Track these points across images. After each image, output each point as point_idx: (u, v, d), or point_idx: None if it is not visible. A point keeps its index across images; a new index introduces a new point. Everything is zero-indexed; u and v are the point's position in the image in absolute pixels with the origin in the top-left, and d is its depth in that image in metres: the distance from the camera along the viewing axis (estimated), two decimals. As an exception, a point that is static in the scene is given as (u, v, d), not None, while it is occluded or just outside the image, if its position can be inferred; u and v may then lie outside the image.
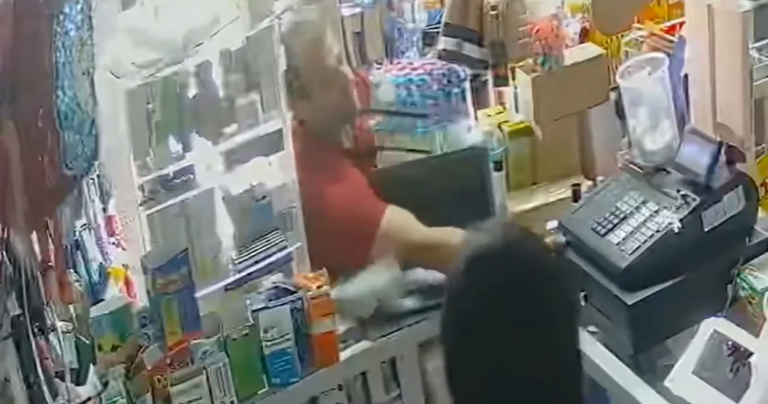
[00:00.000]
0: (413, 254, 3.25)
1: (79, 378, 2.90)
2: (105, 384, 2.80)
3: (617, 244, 3.03)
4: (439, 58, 3.61)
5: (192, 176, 2.98)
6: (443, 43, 3.59)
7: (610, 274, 3.02)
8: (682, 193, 3.01)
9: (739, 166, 3.08)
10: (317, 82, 3.31)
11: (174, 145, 2.94)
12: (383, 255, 3.25)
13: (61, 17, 2.52)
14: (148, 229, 2.93)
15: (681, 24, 3.60)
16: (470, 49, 3.57)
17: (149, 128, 2.88)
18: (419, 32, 3.80)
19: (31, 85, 2.52)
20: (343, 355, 3.10)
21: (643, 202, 3.08)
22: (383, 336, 3.18)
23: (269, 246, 3.14)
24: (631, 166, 3.20)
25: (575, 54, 3.64)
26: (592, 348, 3.00)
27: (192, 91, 2.94)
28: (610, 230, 3.07)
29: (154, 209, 2.92)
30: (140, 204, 2.90)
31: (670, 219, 2.99)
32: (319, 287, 2.99)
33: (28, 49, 2.49)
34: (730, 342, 2.85)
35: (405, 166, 3.51)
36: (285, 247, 3.15)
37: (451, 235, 3.06)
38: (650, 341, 3.01)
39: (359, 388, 3.21)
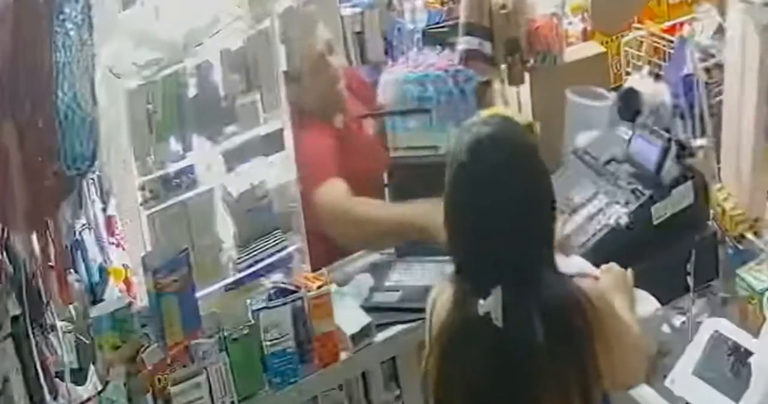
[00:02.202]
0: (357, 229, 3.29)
1: (79, 378, 2.90)
2: (105, 384, 2.80)
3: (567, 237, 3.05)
4: (462, 58, 3.60)
5: (192, 176, 2.98)
6: (465, 42, 3.58)
7: None
8: (632, 186, 3.05)
9: (690, 161, 3.10)
10: (306, 68, 3.36)
11: (174, 145, 2.94)
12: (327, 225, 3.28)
13: (61, 17, 2.52)
14: (149, 229, 2.93)
15: (681, 24, 3.60)
16: (489, 48, 3.58)
17: (149, 128, 2.88)
18: (419, 32, 3.80)
19: (31, 85, 2.52)
20: (343, 355, 3.10)
21: (595, 194, 3.11)
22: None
23: (269, 246, 3.14)
24: (585, 154, 3.22)
25: (577, 52, 3.64)
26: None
27: (192, 91, 2.94)
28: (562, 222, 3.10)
29: (154, 209, 2.92)
30: (141, 204, 2.90)
31: (618, 213, 3.02)
32: (319, 287, 2.99)
33: (28, 49, 2.49)
34: (730, 342, 2.85)
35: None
36: (285, 247, 3.15)
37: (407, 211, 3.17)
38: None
39: (359, 388, 3.21)
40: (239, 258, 3.11)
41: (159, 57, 2.84)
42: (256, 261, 3.11)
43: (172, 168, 2.93)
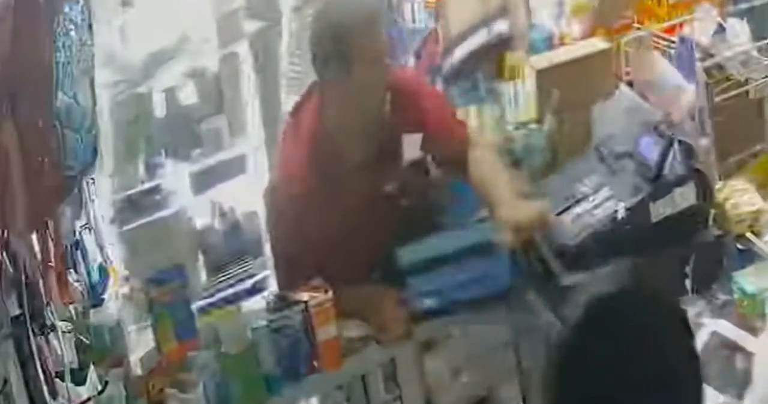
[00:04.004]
0: None
1: (79, 378, 2.90)
2: (105, 384, 2.80)
3: (567, 224, 3.07)
4: None
5: (159, 197, 2.94)
6: None
7: (555, 254, 3.06)
8: (634, 182, 3.06)
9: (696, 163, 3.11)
10: (363, 57, 2.99)
11: (141, 166, 2.91)
12: None
13: (61, 17, 2.52)
14: (120, 246, 2.90)
15: (681, 24, 3.60)
16: None
17: (116, 148, 2.85)
18: (420, 32, 3.80)
19: (31, 85, 2.52)
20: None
21: (600, 186, 3.13)
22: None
23: (239, 272, 3.10)
24: (602, 148, 3.25)
25: (581, 48, 3.62)
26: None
27: (159, 113, 2.90)
28: (565, 210, 3.11)
29: (123, 227, 2.89)
30: (110, 222, 2.88)
31: (616, 207, 3.03)
32: (320, 296, 2.97)
33: (28, 50, 2.49)
34: (730, 343, 2.85)
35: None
36: (254, 274, 3.10)
37: None
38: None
39: (359, 388, 3.21)
40: (210, 284, 3.07)
41: (120, 79, 2.81)
42: (228, 287, 3.08)
43: (140, 188, 2.90)
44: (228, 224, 3.07)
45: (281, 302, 2.95)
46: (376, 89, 3.06)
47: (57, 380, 2.80)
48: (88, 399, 2.83)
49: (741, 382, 2.79)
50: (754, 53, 3.41)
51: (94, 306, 2.91)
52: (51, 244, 2.69)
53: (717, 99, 3.35)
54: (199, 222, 3.04)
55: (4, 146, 2.52)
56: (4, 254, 2.65)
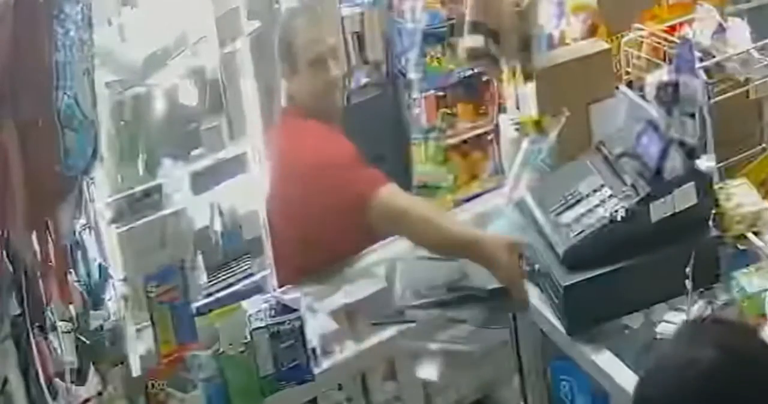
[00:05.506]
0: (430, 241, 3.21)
1: (79, 378, 2.90)
2: (105, 384, 2.80)
3: (566, 225, 3.08)
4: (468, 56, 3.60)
5: (159, 197, 2.92)
6: (472, 41, 3.57)
7: (555, 254, 3.07)
8: (633, 182, 3.06)
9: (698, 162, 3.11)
10: (306, 61, 3.32)
11: (140, 166, 2.90)
12: (380, 235, 3.25)
13: (61, 17, 2.52)
14: (118, 247, 2.89)
15: (681, 24, 3.60)
16: (494, 47, 3.57)
17: (115, 148, 2.84)
18: (419, 32, 3.81)
19: (31, 85, 2.53)
20: (343, 355, 3.10)
21: (601, 186, 3.14)
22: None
23: (239, 271, 3.09)
24: (602, 148, 3.25)
25: (582, 48, 3.62)
26: (592, 348, 3.01)
27: (159, 112, 2.89)
28: (564, 210, 3.12)
29: (121, 228, 2.87)
30: (108, 223, 2.87)
31: (616, 207, 3.03)
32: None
33: (28, 49, 2.49)
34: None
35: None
36: (254, 274, 3.10)
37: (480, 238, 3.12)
38: (583, 324, 3.03)
39: (359, 388, 3.21)
40: (208, 283, 3.06)
41: (118, 79, 2.80)
42: (226, 287, 3.07)
43: (139, 188, 2.89)
44: (228, 224, 3.07)
45: (281, 305, 2.95)
46: (322, 90, 3.35)
47: (57, 380, 2.80)
48: (88, 399, 2.83)
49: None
50: (754, 53, 3.41)
51: (94, 306, 2.91)
52: (51, 244, 2.69)
53: (717, 99, 3.35)
54: (199, 222, 3.03)
55: (4, 146, 2.52)
56: (4, 254, 2.65)
